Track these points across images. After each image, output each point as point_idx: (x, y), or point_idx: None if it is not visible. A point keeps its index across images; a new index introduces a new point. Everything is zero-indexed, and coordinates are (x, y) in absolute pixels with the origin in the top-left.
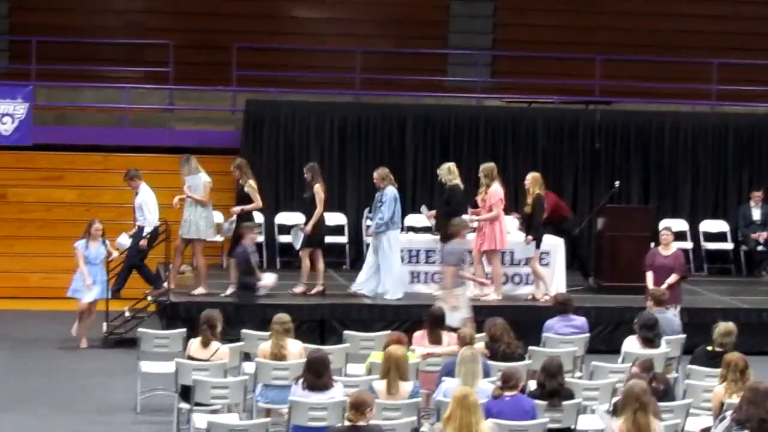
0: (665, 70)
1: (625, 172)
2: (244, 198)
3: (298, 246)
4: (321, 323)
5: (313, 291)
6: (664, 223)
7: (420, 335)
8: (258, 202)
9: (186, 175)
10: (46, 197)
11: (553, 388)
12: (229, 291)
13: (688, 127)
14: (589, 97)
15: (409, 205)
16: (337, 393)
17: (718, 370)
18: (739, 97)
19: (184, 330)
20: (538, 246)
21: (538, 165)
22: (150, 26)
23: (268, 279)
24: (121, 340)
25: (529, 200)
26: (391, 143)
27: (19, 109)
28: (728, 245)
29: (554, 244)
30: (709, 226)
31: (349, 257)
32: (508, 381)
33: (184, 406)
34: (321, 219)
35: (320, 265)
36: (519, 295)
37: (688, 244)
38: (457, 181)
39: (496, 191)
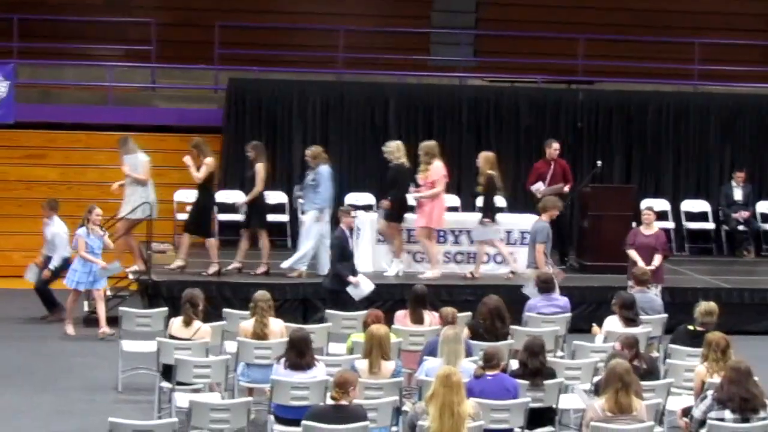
0: (648, 49)
1: (607, 151)
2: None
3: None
4: (303, 302)
5: (259, 271)
6: (646, 203)
7: (402, 315)
8: (200, 176)
9: (124, 155)
10: (27, 175)
11: (535, 368)
12: (211, 270)
13: (670, 106)
14: (572, 77)
15: None
16: (319, 372)
17: (700, 350)
18: (721, 77)
19: (165, 309)
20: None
21: (520, 144)
22: (133, 4)
23: (364, 284)
24: None
25: (482, 180)
26: (373, 122)
27: (0, 87)
28: (710, 225)
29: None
30: (690, 205)
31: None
32: (490, 360)
33: (166, 385)
34: (262, 198)
35: (264, 243)
36: (500, 274)
37: (670, 224)
38: (404, 160)
39: (438, 168)
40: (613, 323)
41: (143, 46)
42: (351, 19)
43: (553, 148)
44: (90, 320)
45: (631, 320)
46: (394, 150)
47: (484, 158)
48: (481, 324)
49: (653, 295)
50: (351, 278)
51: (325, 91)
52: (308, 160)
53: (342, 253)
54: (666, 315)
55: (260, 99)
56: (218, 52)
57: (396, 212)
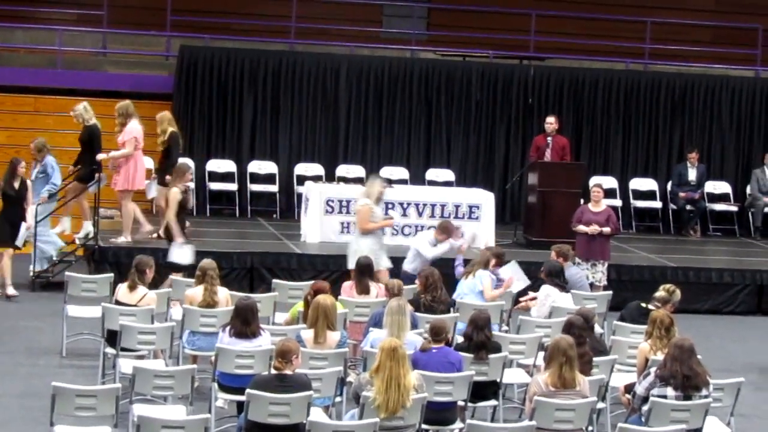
0: (600, 27)
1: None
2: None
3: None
4: (250, 271)
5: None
6: (594, 180)
7: (349, 286)
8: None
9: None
10: None
11: (480, 341)
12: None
13: (620, 84)
14: (524, 53)
15: (341, 156)
16: (265, 341)
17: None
18: (671, 57)
19: (111, 275)
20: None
21: (470, 118)
22: None
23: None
24: (48, 283)
25: (165, 138)
26: (325, 93)
27: None
28: (657, 204)
29: (484, 198)
30: (638, 184)
31: (279, 206)
32: (438, 334)
33: (110, 350)
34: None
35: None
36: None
37: (618, 202)
38: (95, 120)
39: (131, 129)
40: (566, 300)
41: (95, 10)
42: None
43: (547, 122)
44: (36, 284)
45: (562, 287)
46: (83, 112)
47: (161, 117)
48: (419, 295)
49: (577, 270)
50: None
51: (276, 60)
52: (33, 154)
53: None
54: (611, 292)
55: (212, 67)
56: (170, 18)
57: (90, 174)
